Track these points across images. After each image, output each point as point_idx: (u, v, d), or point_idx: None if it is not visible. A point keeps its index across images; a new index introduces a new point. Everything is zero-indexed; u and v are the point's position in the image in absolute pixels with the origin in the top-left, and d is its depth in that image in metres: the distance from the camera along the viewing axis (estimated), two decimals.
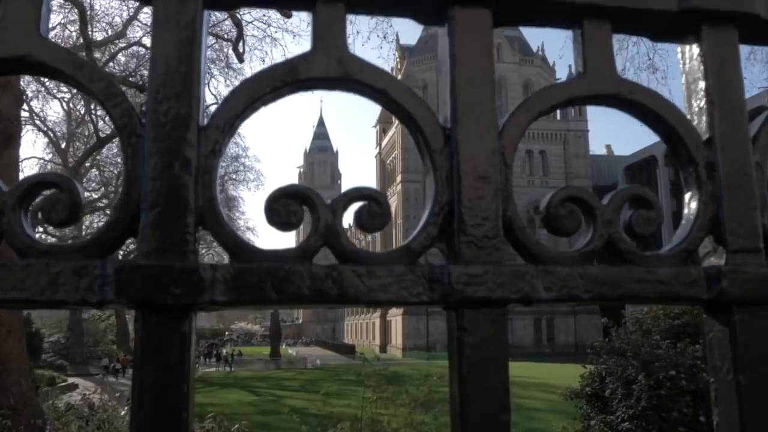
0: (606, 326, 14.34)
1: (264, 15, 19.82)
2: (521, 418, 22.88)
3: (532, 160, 74.23)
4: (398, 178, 75.14)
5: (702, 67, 0.78)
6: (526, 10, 0.76)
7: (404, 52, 73.83)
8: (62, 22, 26.01)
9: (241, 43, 17.86)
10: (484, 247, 0.68)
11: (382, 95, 0.70)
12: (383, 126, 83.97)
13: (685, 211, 0.77)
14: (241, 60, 19.02)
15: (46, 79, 30.81)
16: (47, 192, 0.65)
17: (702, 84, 0.78)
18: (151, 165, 0.63)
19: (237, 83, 0.71)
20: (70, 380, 35.78)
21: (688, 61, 0.81)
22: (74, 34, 24.80)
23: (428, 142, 0.70)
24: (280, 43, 41.90)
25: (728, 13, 0.78)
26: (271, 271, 0.63)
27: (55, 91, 32.52)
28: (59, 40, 26.18)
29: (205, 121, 0.67)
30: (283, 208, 0.66)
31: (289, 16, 15.30)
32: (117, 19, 26.73)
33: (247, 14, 20.01)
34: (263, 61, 32.75)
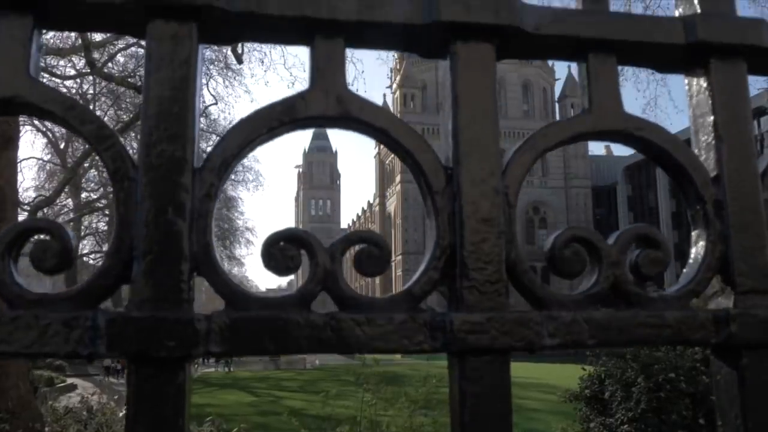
0: None
1: None
2: (521, 419, 22.87)
3: None
4: (397, 179, 75.12)
5: (710, 102, 0.76)
6: (531, 45, 0.74)
7: (403, 52, 73.76)
8: None
9: (240, 45, 17.83)
10: (486, 292, 0.66)
11: (382, 134, 0.69)
12: None
13: (692, 250, 0.75)
14: (240, 62, 18.99)
15: (45, 79, 30.77)
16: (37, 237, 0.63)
17: (710, 119, 0.76)
18: (144, 210, 0.61)
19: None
20: (69, 380, 35.73)
21: (695, 95, 0.79)
22: (73, 34, 24.72)
23: (430, 183, 0.68)
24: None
25: (737, 47, 0.76)
26: (268, 321, 0.61)
27: None
28: (58, 41, 26.13)
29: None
30: (280, 253, 0.64)
31: None
32: None
33: None
34: (262, 62, 32.61)
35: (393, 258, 73.33)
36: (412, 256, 68.19)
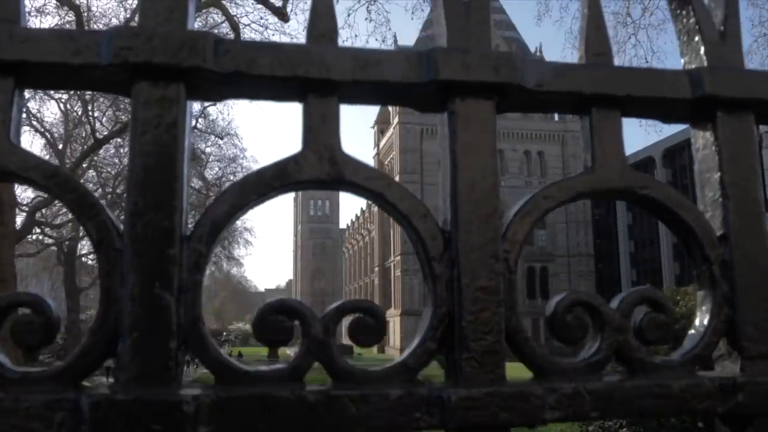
0: None
1: (261, 18, 19.72)
2: None
3: (529, 161, 74.17)
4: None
5: (716, 157, 0.74)
6: (532, 100, 0.72)
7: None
8: (59, 23, 25.90)
9: None
10: (485, 363, 0.63)
11: (378, 198, 0.66)
12: (381, 127, 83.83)
13: (698, 312, 0.73)
14: None
15: None
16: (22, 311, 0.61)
17: (716, 175, 0.74)
18: (131, 283, 0.59)
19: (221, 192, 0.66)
20: None
21: (701, 148, 0.77)
22: None
23: (427, 249, 0.66)
24: None
25: (745, 100, 0.74)
26: (258, 400, 0.59)
27: (52, 92, 32.40)
28: None
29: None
30: (274, 324, 0.62)
31: (286, 21, 15.22)
32: (114, 20, 26.56)
33: (244, 17, 19.91)
34: None
35: (392, 258, 72.87)
36: (411, 257, 68.07)
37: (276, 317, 0.62)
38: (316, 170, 0.65)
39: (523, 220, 0.68)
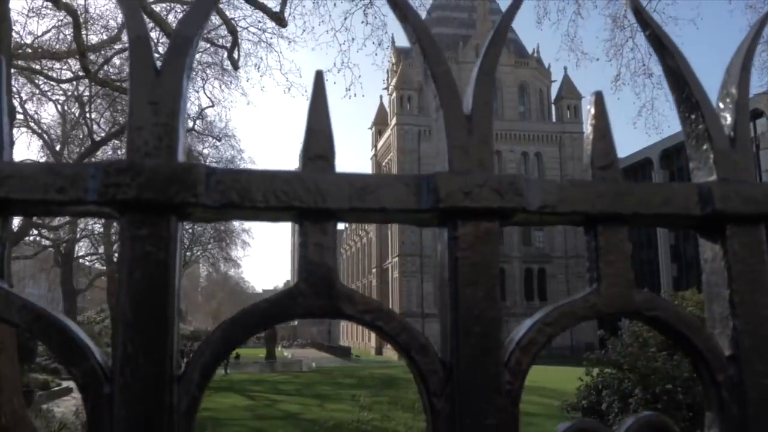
0: (602, 338, 14.32)
1: (259, 21, 19.68)
2: None
3: (527, 162, 74.19)
4: None
5: (725, 273, 0.72)
6: (536, 218, 0.69)
7: (400, 53, 73.69)
8: (57, 25, 25.83)
9: (236, 50, 17.74)
10: None
11: (377, 329, 0.64)
12: (379, 128, 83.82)
13: None
14: (236, 68, 18.89)
15: (41, 82, 30.62)
16: None
17: (725, 292, 0.72)
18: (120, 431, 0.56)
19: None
20: (65, 384, 35.59)
21: (709, 260, 0.74)
22: (69, 37, 24.57)
23: (427, 383, 0.63)
24: (275, 49, 41.66)
25: (755, 216, 0.72)
26: None
27: (49, 93, 32.33)
28: (55, 44, 26.00)
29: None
30: None
31: (284, 26, 15.18)
32: (112, 22, 26.49)
33: (242, 20, 19.86)
34: (258, 68, 32.53)
35: (390, 260, 72.95)
36: (409, 258, 68.18)
37: None
38: (313, 305, 0.62)
39: (527, 349, 0.66)
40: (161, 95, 0.62)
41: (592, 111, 0.73)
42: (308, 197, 0.62)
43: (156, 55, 0.64)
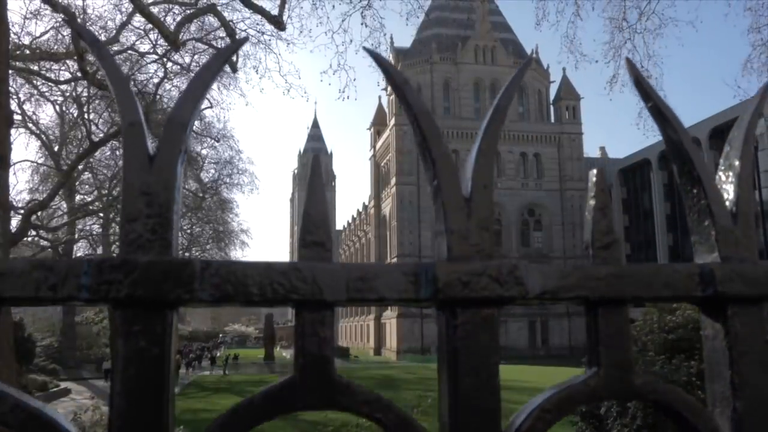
0: None
1: (257, 24, 19.64)
2: None
3: (526, 162, 74.20)
4: (393, 181, 74.97)
5: (727, 353, 0.71)
6: (535, 302, 0.68)
7: (398, 54, 73.68)
8: (55, 26, 25.80)
9: (234, 54, 17.69)
10: None
11: (377, 421, 0.63)
12: (378, 128, 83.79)
13: None
14: (235, 71, 18.85)
15: (39, 82, 30.56)
16: None
17: (726, 372, 0.71)
18: None
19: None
20: (63, 385, 35.57)
21: (711, 338, 0.73)
22: (67, 38, 24.51)
23: None
24: (274, 51, 41.71)
25: (757, 297, 0.71)
26: None
27: (48, 94, 32.31)
28: (53, 44, 25.96)
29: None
30: None
31: (283, 29, 15.14)
32: (110, 23, 26.45)
33: (240, 23, 19.81)
34: (256, 70, 32.54)
35: (389, 260, 73.08)
36: (407, 258, 68.13)
37: None
38: (312, 398, 0.61)
39: None
40: (155, 186, 0.61)
41: (593, 187, 0.73)
42: (305, 289, 0.61)
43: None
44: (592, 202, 0.72)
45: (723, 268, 0.70)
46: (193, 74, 0.72)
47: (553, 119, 76.89)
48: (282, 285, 0.61)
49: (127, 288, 0.58)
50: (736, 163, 0.77)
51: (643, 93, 0.77)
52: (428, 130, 0.68)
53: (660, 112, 0.76)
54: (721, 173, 0.78)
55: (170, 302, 0.59)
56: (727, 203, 0.75)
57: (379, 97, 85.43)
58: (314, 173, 0.66)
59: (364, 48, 0.73)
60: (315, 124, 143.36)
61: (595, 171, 0.73)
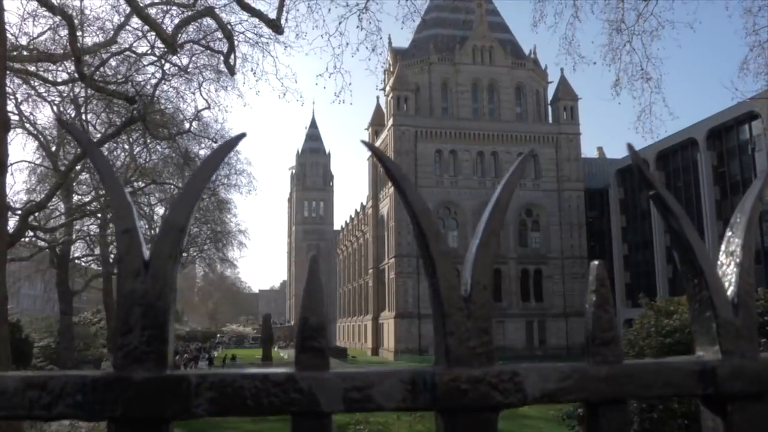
0: None
1: (255, 26, 19.60)
2: (513, 426, 22.84)
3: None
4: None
5: None
6: (534, 404, 0.68)
7: (396, 54, 73.64)
8: (52, 27, 25.72)
9: (232, 56, 17.65)
10: None
11: None
12: (376, 128, 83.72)
13: None
14: (232, 73, 18.83)
15: (36, 83, 30.45)
16: None
17: None
18: None
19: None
20: None
21: (711, 429, 0.73)
22: (64, 39, 24.44)
23: None
24: (271, 54, 41.38)
25: (757, 394, 0.70)
26: None
27: (45, 94, 32.22)
28: (51, 45, 25.88)
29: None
30: None
31: (280, 33, 15.12)
32: (108, 24, 26.37)
33: (238, 25, 19.78)
34: (254, 72, 32.55)
35: (386, 260, 72.92)
36: (405, 259, 68.12)
37: None
38: None
39: None
40: (150, 294, 0.60)
41: (593, 281, 0.72)
42: (302, 401, 0.61)
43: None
44: (593, 298, 0.71)
45: (724, 366, 0.70)
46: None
47: (551, 120, 76.90)
48: (278, 397, 0.60)
49: (122, 407, 0.57)
50: (738, 251, 0.76)
51: (646, 181, 0.76)
52: (427, 228, 0.68)
53: (663, 202, 0.75)
54: (722, 257, 0.78)
55: (166, 419, 0.58)
56: (729, 292, 0.75)
57: (377, 98, 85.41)
58: (312, 275, 0.66)
59: (362, 141, 0.72)
60: (313, 124, 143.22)
61: (596, 263, 0.72)
